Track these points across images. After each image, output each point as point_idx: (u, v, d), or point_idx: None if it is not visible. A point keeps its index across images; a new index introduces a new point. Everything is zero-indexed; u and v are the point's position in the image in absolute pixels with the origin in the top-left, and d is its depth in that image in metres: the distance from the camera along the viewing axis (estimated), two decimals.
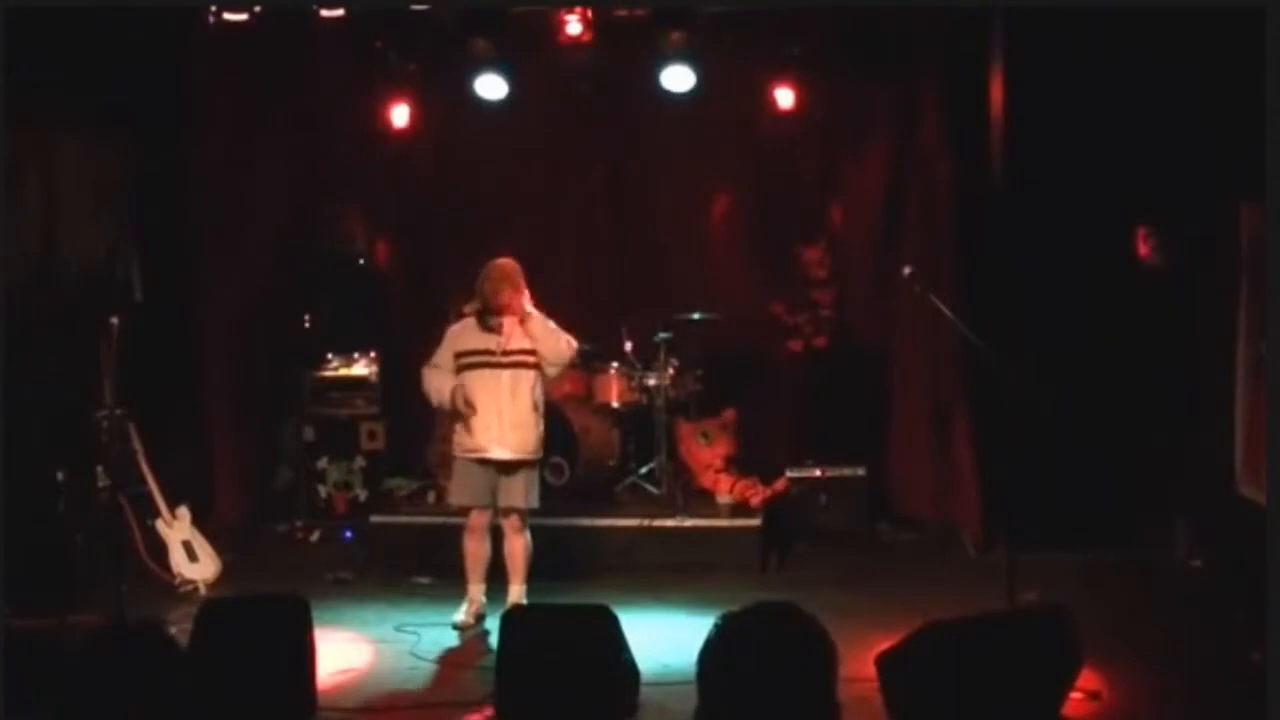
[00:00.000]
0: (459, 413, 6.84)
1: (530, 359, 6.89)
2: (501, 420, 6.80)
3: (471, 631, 6.85)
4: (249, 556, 8.27)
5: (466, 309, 7.00)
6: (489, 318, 6.87)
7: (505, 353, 6.84)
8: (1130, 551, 7.87)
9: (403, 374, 9.32)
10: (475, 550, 6.96)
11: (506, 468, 6.84)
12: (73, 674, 2.34)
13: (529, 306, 6.89)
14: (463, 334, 6.95)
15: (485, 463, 6.85)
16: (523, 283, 6.90)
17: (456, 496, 7.06)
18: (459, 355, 6.89)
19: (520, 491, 6.87)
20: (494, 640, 4.87)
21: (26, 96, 7.15)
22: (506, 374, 6.83)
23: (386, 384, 9.53)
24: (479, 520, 6.94)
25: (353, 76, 9.17)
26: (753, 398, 9.31)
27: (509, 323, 6.86)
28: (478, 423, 6.83)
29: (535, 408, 6.91)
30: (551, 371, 6.99)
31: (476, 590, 6.96)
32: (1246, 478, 7.06)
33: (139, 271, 8.42)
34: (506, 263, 6.92)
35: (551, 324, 6.92)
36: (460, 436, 6.92)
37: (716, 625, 2.60)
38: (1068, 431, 7.86)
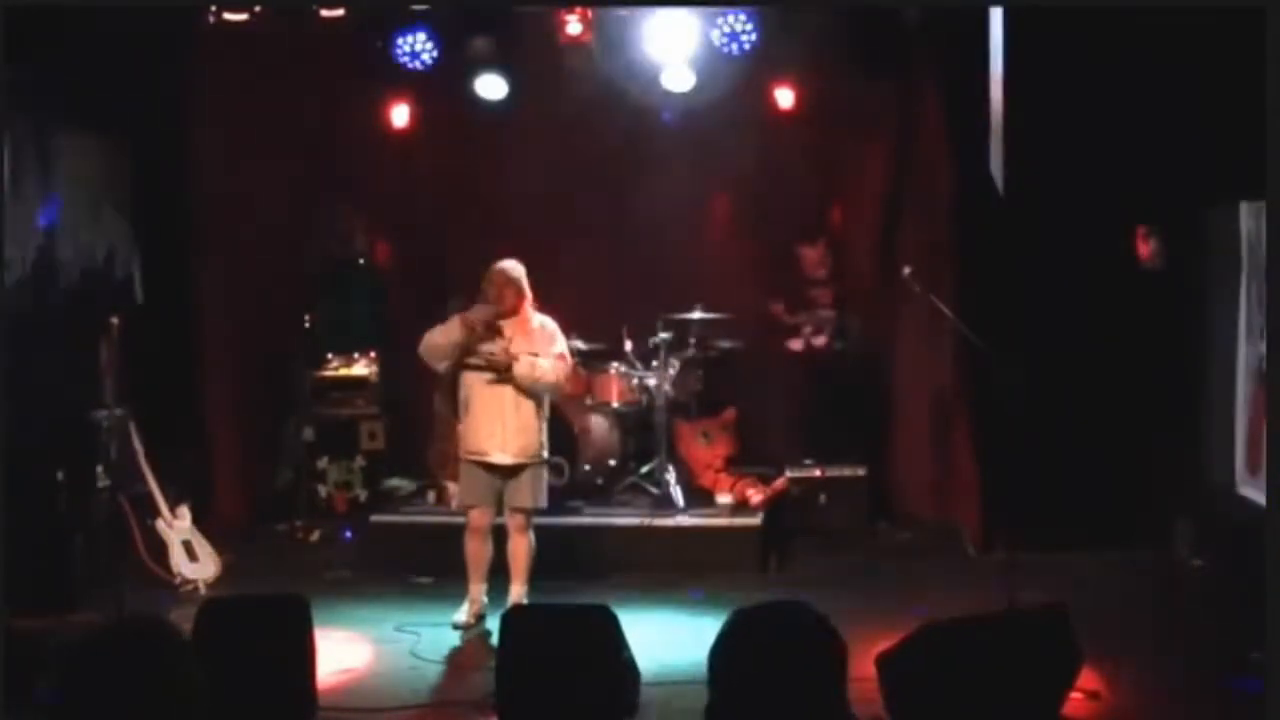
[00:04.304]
0: (464, 357, 6.78)
1: None
2: (505, 426, 6.80)
3: (472, 631, 6.85)
4: (249, 556, 8.27)
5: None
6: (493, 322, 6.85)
7: (507, 353, 6.81)
8: (1130, 551, 7.87)
9: (403, 374, 9.35)
10: (476, 550, 6.95)
11: (510, 471, 6.84)
12: (71, 673, 2.33)
13: (535, 313, 6.90)
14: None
15: (489, 466, 6.85)
16: (526, 285, 6.89)
17: (461, 497, 7.06)
18: (472, 328, 6.84)
19: (527, 492, 6.87)
20: (494, 640, 4.87)
21: (26, 96, 7.15)
22: (511, 378, 6.82)
23: (386, 384, 9.54)
24: (480, 520, 6.93)
25: (353, 76, 9.17)
26: (753, 398, 9.31)
27: (512, 326, 6.85)
28: (481, 427, 6.83)
29: (539, 412, 6.91)
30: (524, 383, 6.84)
31: (477, 590, 6.96)
32: (1246, 478, 7.06)
33: (139, 271, 8.42)
34: (510, 265, 6.90)
35: (556, 346, 6.89)
36: (464, 439, 6.92)
37: (729, 621, 2.60)
38: (1068, 431, 7.86)
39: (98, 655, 2.33)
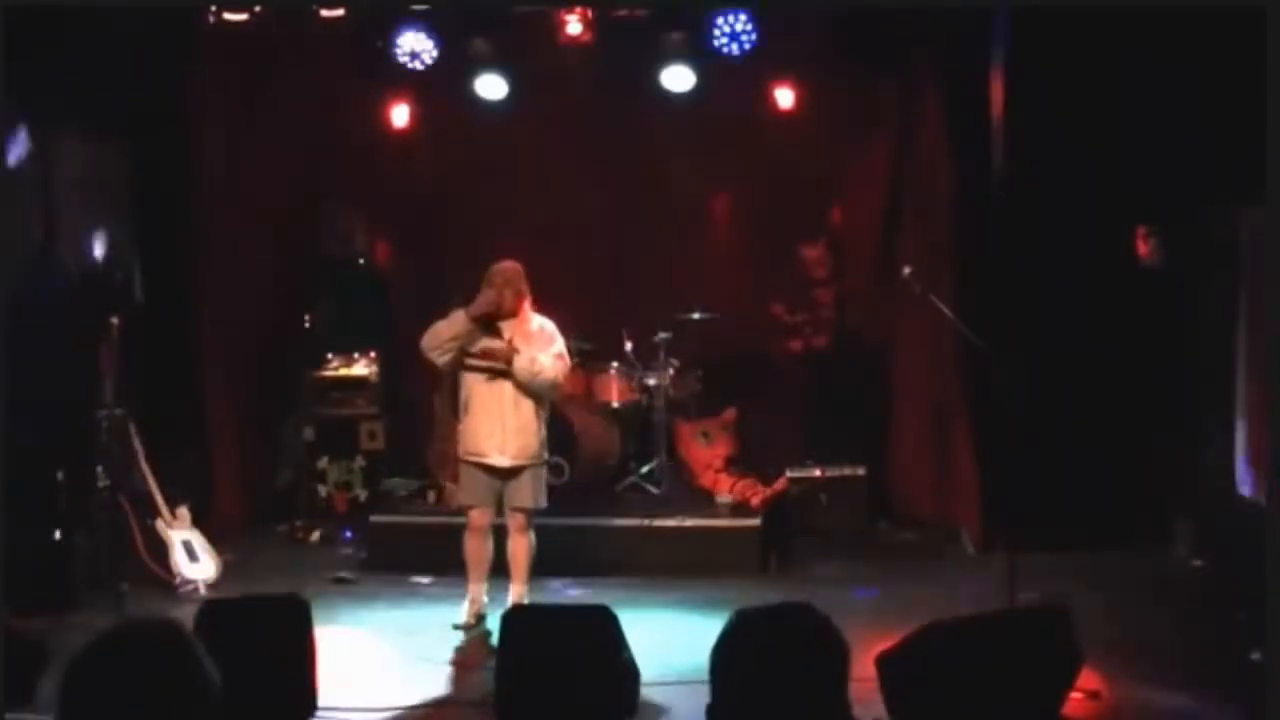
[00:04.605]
0: (464, 355, 6.77)
1: None
2: (504, 428, 6.78)
3: (472, 632, 6.84)
4: (249, 556, 8.27)
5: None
6: (492, 322, 6.82)
7: (510, 344, 6.77)
8: (1130, 551, 7.88)
9: (403, 374, 9.37)
10: (476, 550, 6.94)
11: (510, 472, 6.84)
12: (79, 674, 2.33)
13: (534, 314, 6.89)
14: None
15: (489, 468, 6.85)
16: (525, 287, 6.88)
17: (461, 497, 7.07)
18: (466, 354, 6.85)
19: (528, 492, 6.86)
20: (494, 640, 4.87)
21: (27, 96, 7.15)
22: (510, 381, 6.79)
23: (386, 384, 9.54)
24: (480, 520, 6.92)
25: (353, 76, 9.18)
26: (753, 398, 9.31)
27: (511, 327, 6.83)
28: (480, 428, 6.81)
29: (538, 414, 6.89)
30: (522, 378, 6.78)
31: (477, 590, 6.95)
32: (1246, 478, 7.06)
33: (139, 271, 8.42)
34: (510, 266, 6.88)
35: (555, 346, 6.87)
36: (464, 440, 6.91)
37: (731, 621, 2.59)
38: (1068, 431, 7.86)
39: (106, 656, 2.33)
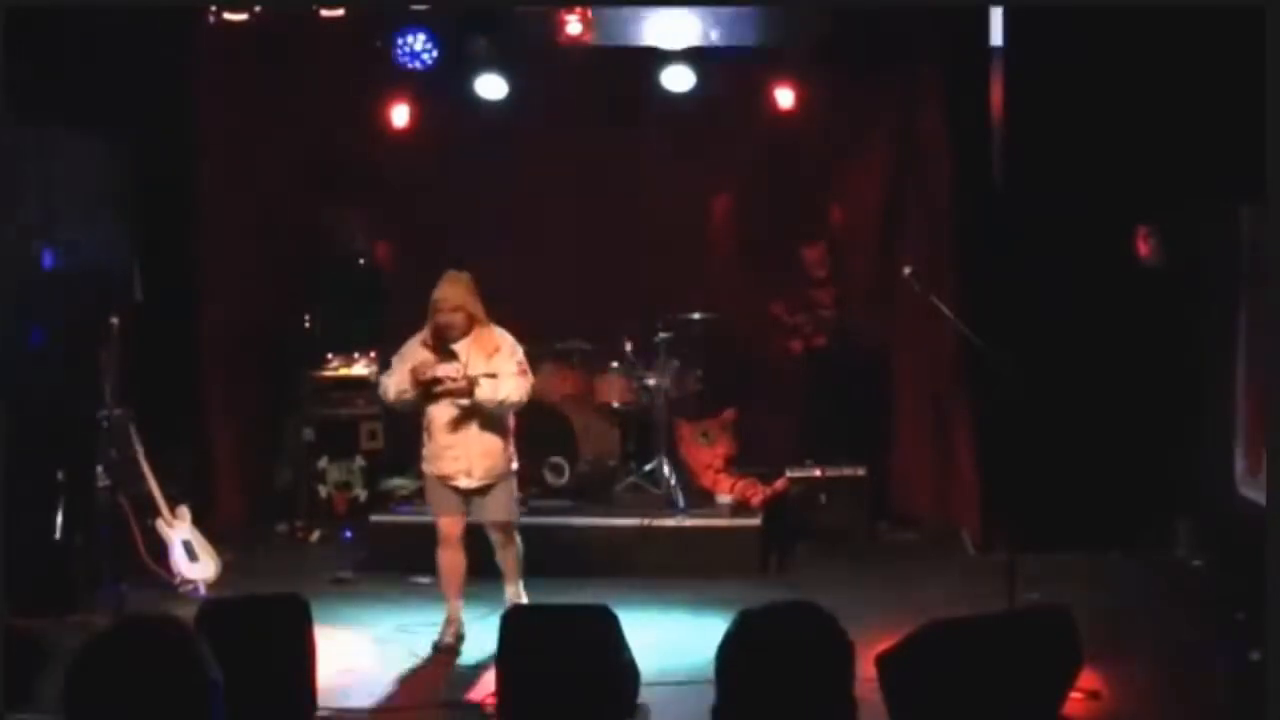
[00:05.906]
0: (427, 391, 6.56)
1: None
2: (469, 452, 6.57)
3: (454, 655, 6.58)
4: (249, 556, 8.27)
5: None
6: (446, 343, 6.59)
7: (468, 380, 6.52)
8: (1130, 551, 7.88)
9: None
10: (450, 563, 6.68)
11: (478, 490, 6.63)
12: (84, 669, 2.33)
13: (491, 326, 6.67)
14: (419, 355, 6.63)
15: (456, 488, 6.66)
16: (475, 302, 6.61)
17: (431, 508, 6.86)
18: (423, 383, 6.58)
19: (499, 507, 6.67)
20: (494, 640, 4.86)
21: (27, 96, 7.15)
22: (473, 404, 6.55)
23: None
24: (451, 530, 6.66)
25: (353, 76, 9.17)
26: (753, 398, 9.31)
27: (465, 345, 6.58)
28: (444, 453, 6.61)
29: (503, 432, 6.66)
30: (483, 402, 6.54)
31: (455, 608, 6.71)
32: (1246, 478, 7.06)
33: (139, 271, 8.42)
34: (452, 293, 6.57)
35: (514, 360, 6.62)
36: (428, 460, 6.71)
37: (736, 621, 2.59)
38: (1068, 431, 7.86)
39: (111, 651, 2.33)
